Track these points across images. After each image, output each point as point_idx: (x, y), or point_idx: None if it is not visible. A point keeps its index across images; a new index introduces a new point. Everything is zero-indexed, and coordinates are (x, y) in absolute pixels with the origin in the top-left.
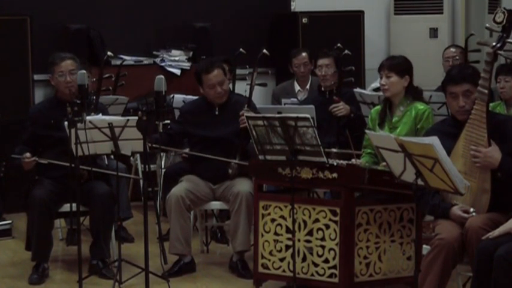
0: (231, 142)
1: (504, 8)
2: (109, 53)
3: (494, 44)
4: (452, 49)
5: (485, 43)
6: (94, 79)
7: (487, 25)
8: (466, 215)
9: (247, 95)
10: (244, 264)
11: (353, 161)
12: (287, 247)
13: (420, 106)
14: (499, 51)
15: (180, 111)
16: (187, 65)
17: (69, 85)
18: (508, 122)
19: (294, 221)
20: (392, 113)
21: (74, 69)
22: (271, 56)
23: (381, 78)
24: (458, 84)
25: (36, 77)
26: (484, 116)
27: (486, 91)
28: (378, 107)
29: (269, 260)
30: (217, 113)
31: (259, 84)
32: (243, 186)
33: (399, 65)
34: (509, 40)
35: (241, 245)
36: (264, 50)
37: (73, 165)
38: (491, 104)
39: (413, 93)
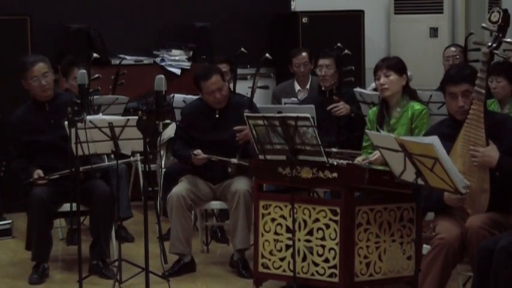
0: (231, 145)
1: (499, 8)
2: (95, 55)
3: (489, 44)
4: (453, 48)
5: (481, 43)
6: None
7: (483, 25)
8: (460, 196)
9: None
10: (244, 264)
11: (358, 159)
12: (287, 247)
13: (417, 106)
14: (495, 51)
15: (181, 115)
16: (187, 64)
17: (45, 88)
18: (505, 121)
19: (294, 221)
20: (389, 115)
21: (47, 72)
22: (271, 56)
23: (378, 79)
24: (457, 84)
25: None
26: (482, 116)
27: (483, 91)
28: (375, 109)
29: (269, 260)
30: (217, 116)
31: (261, 87)
32: (241, 184)
33: (397, 64)
34: (505, 40)
35: (240, 243)
36: (267, 54)
37: (73, 166)
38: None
39: (410, 93)
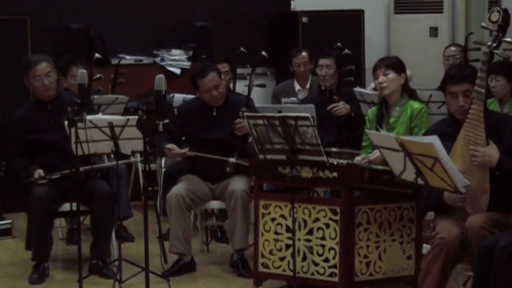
0: (229, 143)
1: (499, 7)
2: (97, 55)
3: (489, 43)
4: (453, 48)
5: (481, 42)
6: None
7: (483, 24)
8: (460, 195)
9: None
10: (244, 263)
11: (358, 158)
12: (287, 246)
13: (416, 105)
14: (495, 51)
15: (178, 112)
16: (187, 64)
17: (47, 88)
18: (505, 120)
19: (294, 220)
20: (389, 114)
21: (50, 71)
22: (271, 56)
23: (377, 78)
24: (458, 84)
25: None
26: (482, 116)
27: (483, 90)
28: (374, 108)
29: (269, 259)
30: (215, 114)
31: (257, 85)
32: (238, 184)
33: (395, 63)
34: (505, 39)
35: (239, 244)
36: (263, 52)
37: (72, 166)
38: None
39: (409, 92)
